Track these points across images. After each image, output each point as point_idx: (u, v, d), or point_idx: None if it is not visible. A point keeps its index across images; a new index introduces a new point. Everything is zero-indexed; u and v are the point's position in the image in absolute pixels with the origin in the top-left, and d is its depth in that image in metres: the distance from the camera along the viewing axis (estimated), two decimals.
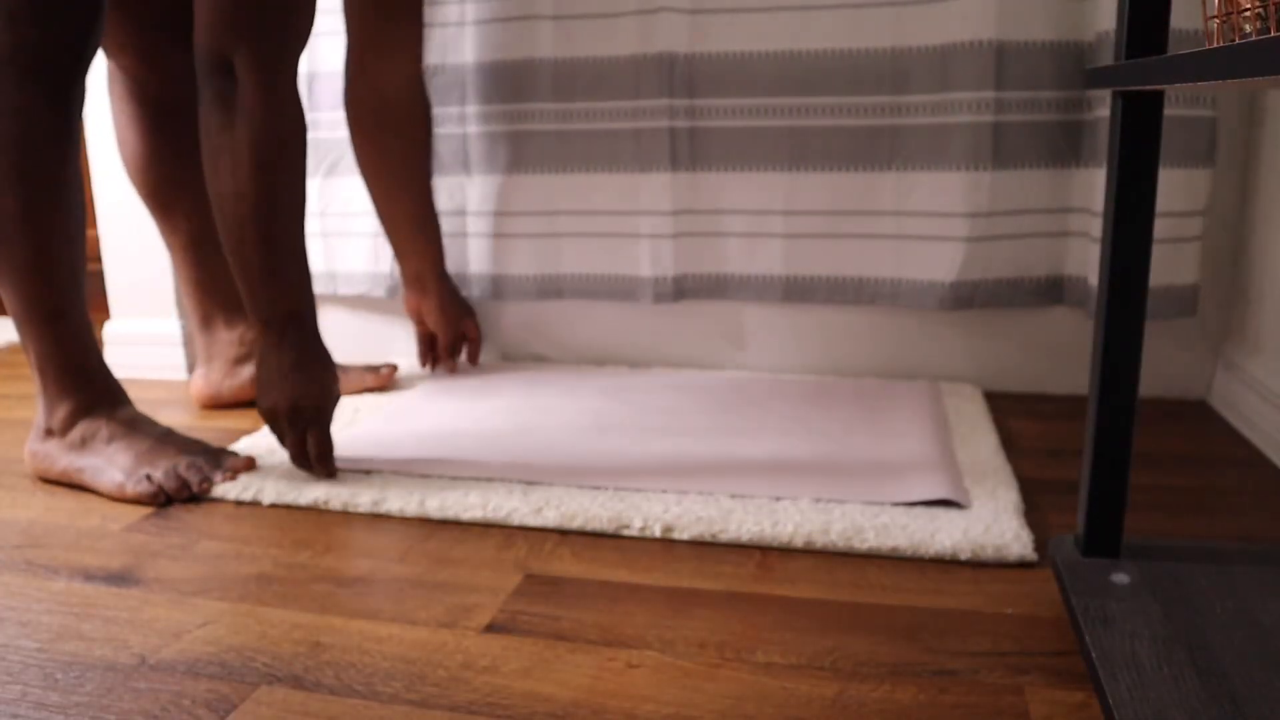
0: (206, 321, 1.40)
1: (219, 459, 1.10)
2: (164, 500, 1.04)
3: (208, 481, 1.06)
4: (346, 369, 1.43)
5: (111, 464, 1.07)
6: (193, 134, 1.28)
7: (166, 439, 1.10)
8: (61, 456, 1.10)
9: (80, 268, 1.08)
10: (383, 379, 1.43)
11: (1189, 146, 1.23)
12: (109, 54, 1.26)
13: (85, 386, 1.10)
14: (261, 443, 1.21)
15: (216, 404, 1.42)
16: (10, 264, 1.04)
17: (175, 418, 1.38)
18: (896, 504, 0.97)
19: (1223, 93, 1.25)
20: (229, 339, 1.39)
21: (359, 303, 1.64)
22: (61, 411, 1.10)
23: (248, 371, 1.39)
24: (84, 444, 1.10)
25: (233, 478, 1.08)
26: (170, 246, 1.37)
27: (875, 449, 1.11)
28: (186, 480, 1.06)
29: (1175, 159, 1.23)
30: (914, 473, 1.03)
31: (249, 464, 1.11)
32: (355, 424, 1.26)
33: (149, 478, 1.05)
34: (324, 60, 1.51)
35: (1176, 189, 1.23)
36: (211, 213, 1.33)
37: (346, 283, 1.60)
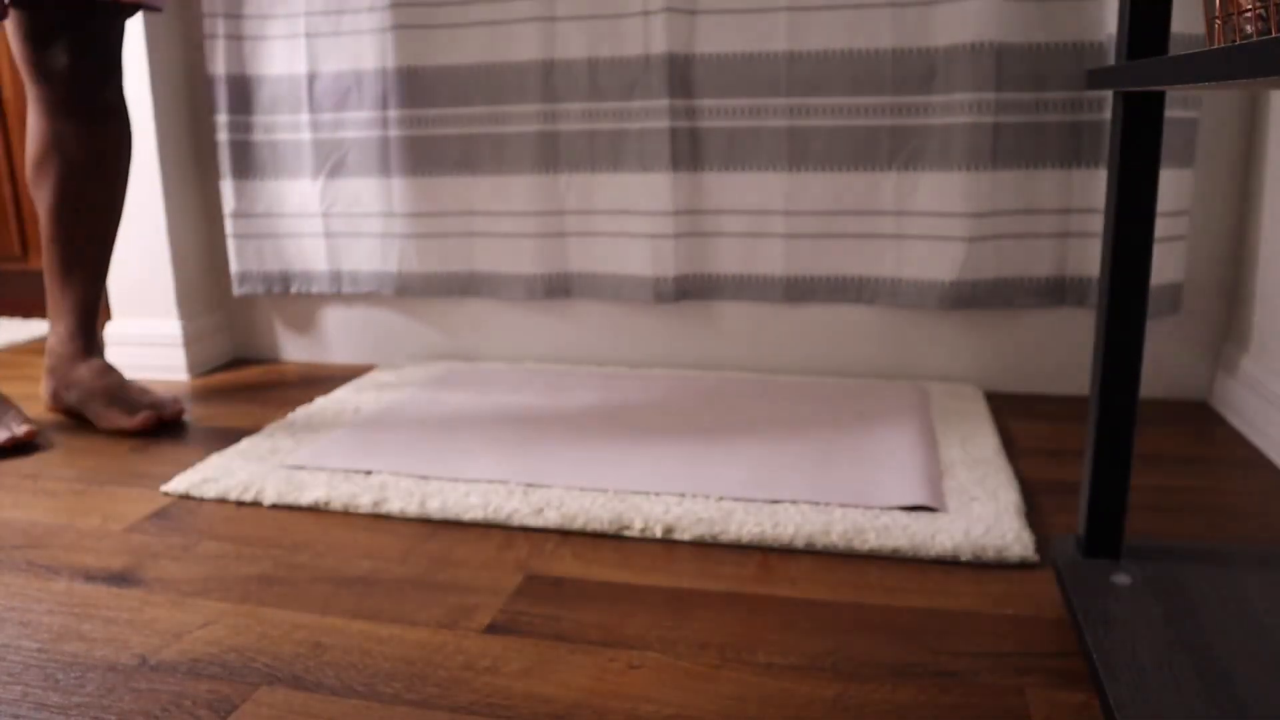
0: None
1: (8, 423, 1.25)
2: None
3: None
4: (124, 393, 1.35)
5: None
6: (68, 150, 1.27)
7: None
8: None
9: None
10: (136, 423, 1.30)
11: (1172, 147, 1.24)
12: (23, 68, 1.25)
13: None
14: (262, 445, 1.21)
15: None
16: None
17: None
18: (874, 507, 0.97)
19: (1217, 94, 1.25)
20: (49, 345, 1.37)
21: (361, 301, 1.64)
22: None
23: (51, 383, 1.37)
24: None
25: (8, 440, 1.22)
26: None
27: (858, 452, 1.11)
28: None
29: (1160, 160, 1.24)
30: (894, 477, 1.03)
31: (29, 434, 1.25)
32: (354, 423, 1.26)
33: None
34: (324, 60, 1.52)
35: (1162, 189, 1.24)
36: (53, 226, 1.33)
37: (352, 282, 1.60)
